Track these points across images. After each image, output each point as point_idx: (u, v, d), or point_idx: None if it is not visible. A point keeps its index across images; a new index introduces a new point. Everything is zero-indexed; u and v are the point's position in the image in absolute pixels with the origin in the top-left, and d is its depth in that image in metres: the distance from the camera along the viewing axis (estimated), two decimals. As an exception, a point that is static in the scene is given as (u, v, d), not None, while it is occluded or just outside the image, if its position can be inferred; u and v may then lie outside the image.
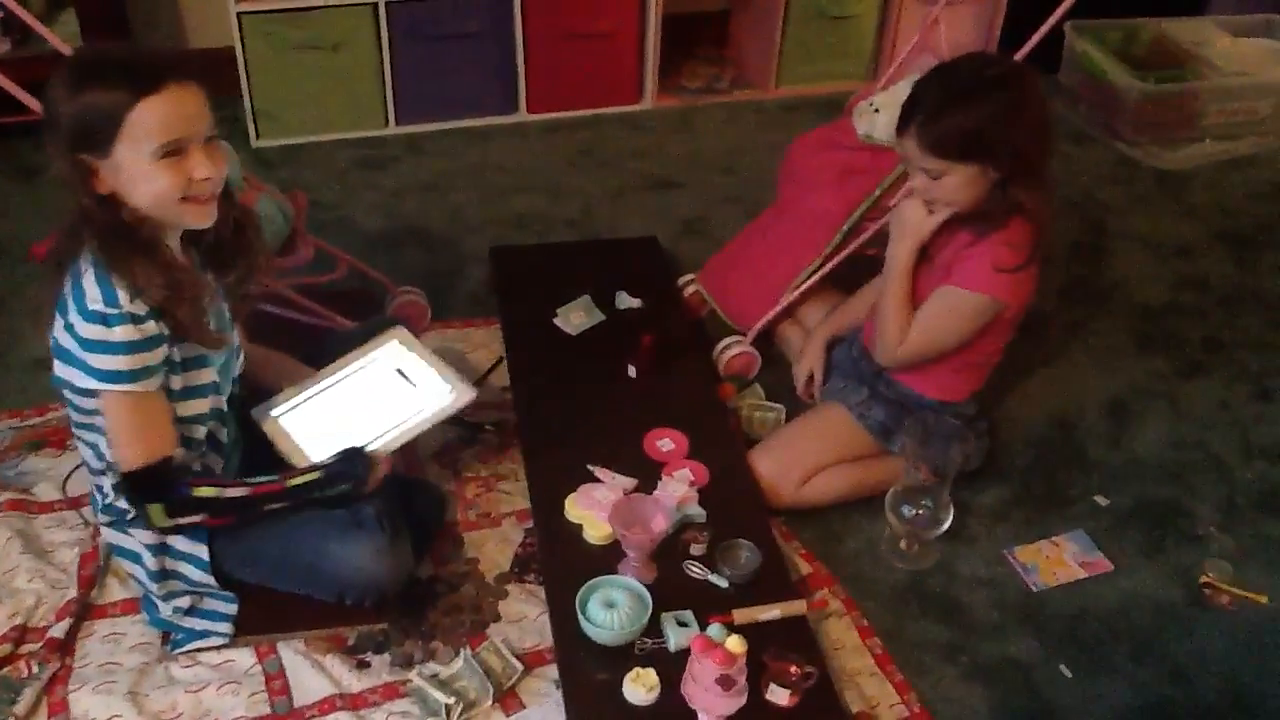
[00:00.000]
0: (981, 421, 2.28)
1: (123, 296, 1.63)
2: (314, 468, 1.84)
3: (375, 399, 1.98)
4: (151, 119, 1.59)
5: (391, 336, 2.07)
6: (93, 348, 1.64)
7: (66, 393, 1.76)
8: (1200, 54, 3.71)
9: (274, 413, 1.96)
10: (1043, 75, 3.54)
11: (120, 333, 1.63)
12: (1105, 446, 2.48)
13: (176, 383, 1.75)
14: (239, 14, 3.18)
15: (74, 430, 1.83)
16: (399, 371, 2.01)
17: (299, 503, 1.83)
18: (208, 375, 1.81)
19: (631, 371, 2.37)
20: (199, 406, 1.81)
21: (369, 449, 1.88)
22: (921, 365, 2.17)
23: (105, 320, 1.63)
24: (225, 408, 1.89)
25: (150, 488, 1.72)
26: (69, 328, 1.66)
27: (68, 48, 2.19)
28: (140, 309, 1.64)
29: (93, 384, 1.66)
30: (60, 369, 1.71)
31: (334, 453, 1.86)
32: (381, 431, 1.92)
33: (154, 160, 1.61)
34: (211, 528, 1.84)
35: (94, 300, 1.63)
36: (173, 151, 1.62)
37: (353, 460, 1.85)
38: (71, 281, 1.67)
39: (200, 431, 1.83)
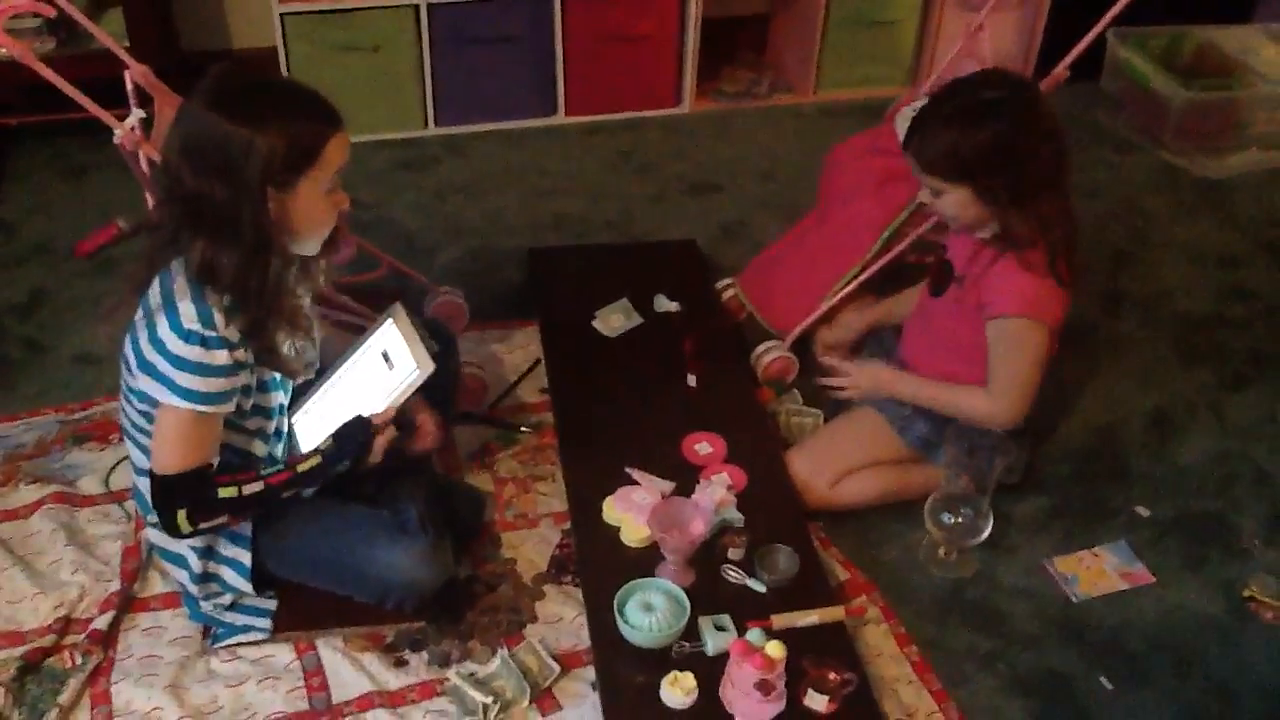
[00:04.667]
0: (1026, 437, 2.26)
1: (219, 319, 1.63)
2: (316, 451, 1.80)
3: (362, 386, 1.94)
4: (338, 153, 1.68)
5: (387, 316, 2.01)
6: (186, 367, 1.63)
7: (136, 401, 1.74)
8: (1246, 62, 3.66)
9: (292, 418, 1.97)
10: (1083, 82, 3.51)
11: (222, 356, 1.64)
12: (1148, 458, 2.46)
13: (247, 403, 1.76)
14: (282, 15, 3.21)
15: (131, 433, 1.82)
16: (384, 355, 1.95)
17: (312, 484, 1.80)
18: (275, 399, 1.83)
19: (691, 380, 2.32)
20: (266, 426, 1.83)
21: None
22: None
23: (205, 342, 1.63)
24: (285, 427, 1.91)
25: (182, 492, 1.71)
26: (158, 344, 1.64)
27: (120, 47, 2.20)
28: (233, 334, 1.65)
29: (174, 401, 1.65)
30: (145, 383, 1.68)
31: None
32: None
33: (325, 193, 1.69)
34: (248, 527, 1.84)
35: (189, 320, 1.62)
36: (335, 185, 1.71)
37: (351, 434, 1.80)
38: (162, 295, 1.66)
39: (261, 449, 1.85)
